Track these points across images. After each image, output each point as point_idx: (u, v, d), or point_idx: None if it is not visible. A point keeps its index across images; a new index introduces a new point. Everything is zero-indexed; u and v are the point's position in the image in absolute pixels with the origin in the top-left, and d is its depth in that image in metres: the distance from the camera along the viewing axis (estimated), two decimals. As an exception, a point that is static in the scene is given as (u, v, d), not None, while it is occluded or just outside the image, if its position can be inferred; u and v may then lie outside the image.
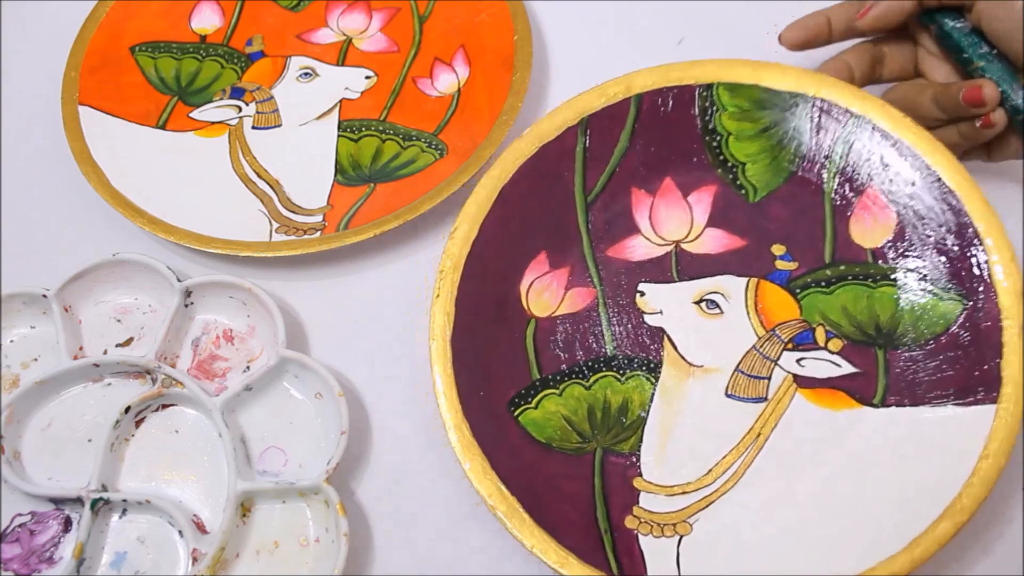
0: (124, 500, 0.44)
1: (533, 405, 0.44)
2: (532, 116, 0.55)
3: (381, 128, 0.55)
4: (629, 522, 0.42)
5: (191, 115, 0.56)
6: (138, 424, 0.47)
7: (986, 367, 0.41)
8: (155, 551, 0.44)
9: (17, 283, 0.49)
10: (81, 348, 0.48)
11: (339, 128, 0.55)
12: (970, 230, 0.43)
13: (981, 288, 0.43)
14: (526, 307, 0.46)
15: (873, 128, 0.46)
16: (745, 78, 0.47)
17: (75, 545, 0.43)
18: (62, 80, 0.55)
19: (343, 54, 0.58)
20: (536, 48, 0.56)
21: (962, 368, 0.42)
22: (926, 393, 0.43)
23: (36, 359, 0.48)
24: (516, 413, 0.44)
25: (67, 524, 0.44)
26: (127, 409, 0.46)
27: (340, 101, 0.56)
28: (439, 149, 0.53)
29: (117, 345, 0.49)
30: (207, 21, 0.59)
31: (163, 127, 0.55)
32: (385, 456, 0.46)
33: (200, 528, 0.44)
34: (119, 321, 0.49)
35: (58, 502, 0.45)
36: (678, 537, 0.42)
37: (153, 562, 0.44)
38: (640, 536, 0.42)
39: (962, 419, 0.41)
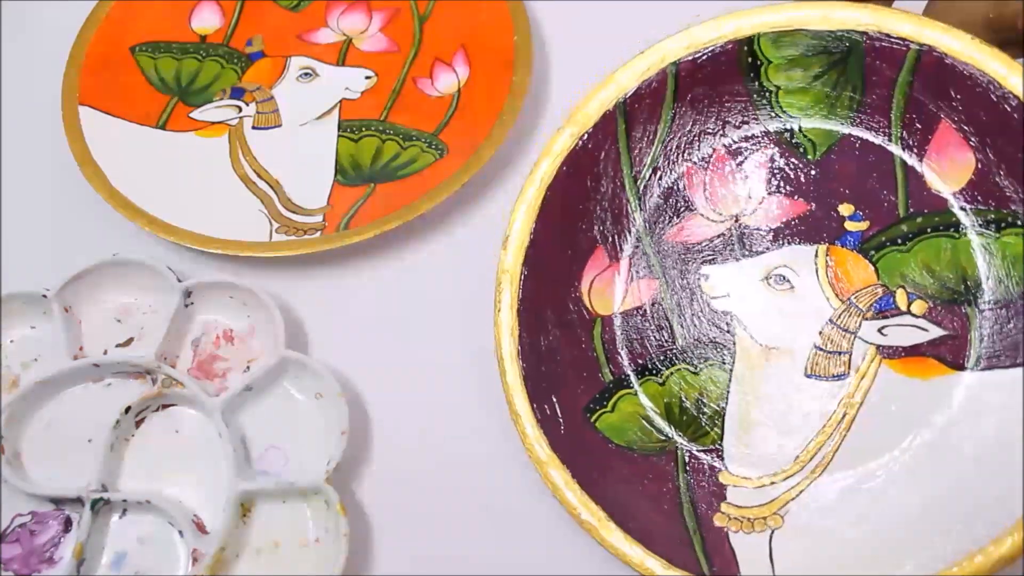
0: (124, 500, 0.44)
1: (609, 408, 0.43)
2: (532, 116, 0.55)
3: (381, 128, 0.55)
4: (718, 519, 0.40)
5: (191, 115, 0.55)
6: (138, 424, 0.47)
7: None
8: (155, 551, 0.44)
9: (17, 283, 0.49)
10: (81, 348, 0.48)
11: (339, 128, 0.55)
12: None
13: None
14: (590, 307, 0.44)
15: (938, 56, 0.40)
16: (786, 24, 0.42)
17: (75, 545, 0.43)
18: (62, 80, 0.55)
19: (343, 54, 0.58)
20: (536, 48, 0.56)
21: None
22: None
23: (36, 359, 0.48)
24: (593, 419, 0.42)
25: (67, 524, 0.44)
26: (127, 409, 0.46)
27: (340, 101, 0.56)
28: (439, 149, 0.53)
29: (117, 345, 0.49)
30: (207, 21, 0.59)
31: (163, 127, 0.55)
32: (385, 456, 0.46)
33: (200, 528, 0.44)
34: (119, 321, 0.49)
35: (58, 502, 0.45)
36: (769, 531, 0.39)
37: (153, 562, 0.44)
38: (730, 533, 0.40)
39: None
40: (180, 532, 0.44)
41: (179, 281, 0.48)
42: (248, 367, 0.48)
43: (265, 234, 0.51)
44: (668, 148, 0.45)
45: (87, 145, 0.52)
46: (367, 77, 0.57)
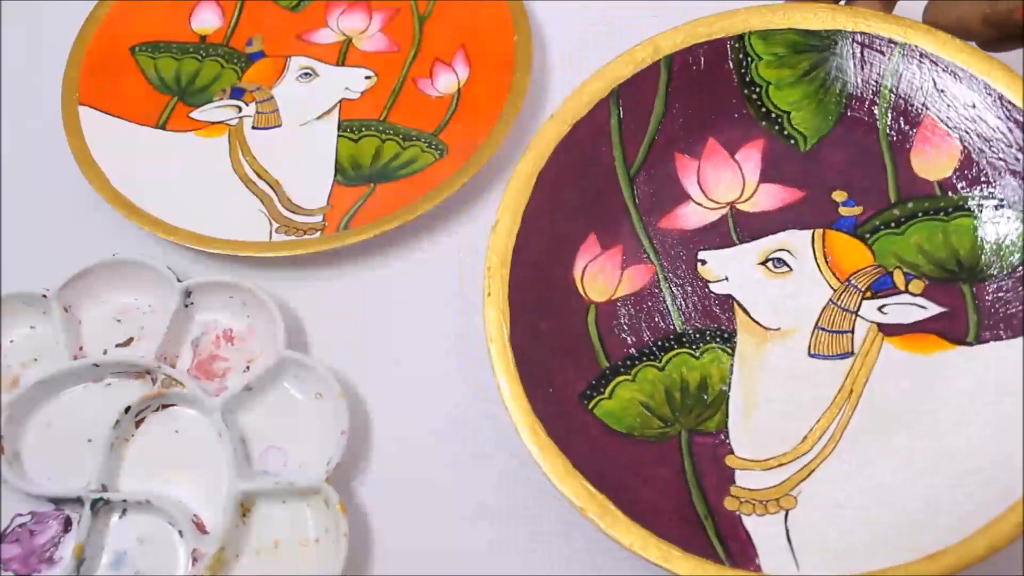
0: (124, 500, 0.44)
1: (607, 395, 0.42)
2: (532, 116, 0.55)
3: (381, 128, 0.55)
4: (729, 503, 0.40)
5: (191, 115, 0.56)
6: (138, 424, 0.47)
7: None
8: (155, 551, 0.44)
9: (17, 283, 0.49)
10: (81, 348, 0.48)
11: (339, 128, 0.55)
12: None
13: None
14: (583, 293, 0.44)
15: (921, 55, 0.43)
16: (776, 23, 0.45)
17: (75, 545, 0.43)
18: (62, 80, 0.55)
19: (343, 54, 0.58)
20: (536, 48, 0.56)
21: None
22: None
23: (36, 359, 0.48)
24: (590, 406, 0.42)
25: (67, 524, 0.44)
26: (127, 409, 0.46)
27: (340, 101, 0.56)
28: (439, 149, 0.53)
29: (117, 345, 0.49)
30: (207, 21, 0.59)
31: (163, 127, 0.55)
32: (385, 456, 0.46)
33: (200, 528, 0.44)
34: (119, 321, 0.49)
35: (58, 502, 0.45)
36: (784, 512, 0.39)
37: (153, 562, 0.44)
38: (743, 516, 0.39)
39: None
40: (180, 532, 0.44)
41: (179, 281, 0.48)
42: (248, 367, 0.48)
43: (265, 234, 0.51)
44: (660, 137, 0.46)
45: (87, 145, 0.52)
46: (367, 77, 0.57)
